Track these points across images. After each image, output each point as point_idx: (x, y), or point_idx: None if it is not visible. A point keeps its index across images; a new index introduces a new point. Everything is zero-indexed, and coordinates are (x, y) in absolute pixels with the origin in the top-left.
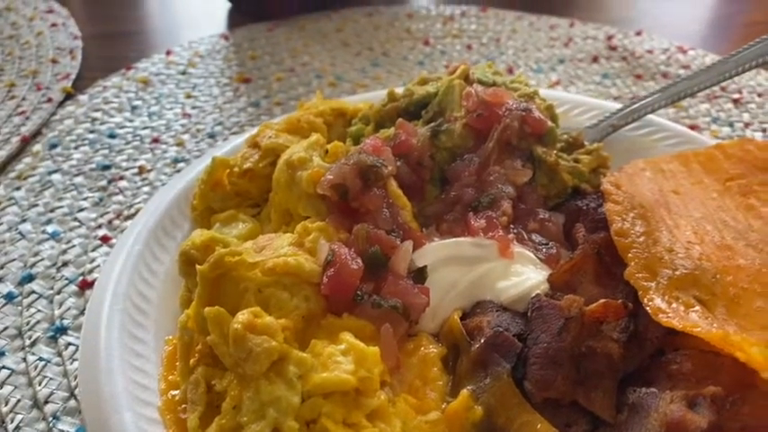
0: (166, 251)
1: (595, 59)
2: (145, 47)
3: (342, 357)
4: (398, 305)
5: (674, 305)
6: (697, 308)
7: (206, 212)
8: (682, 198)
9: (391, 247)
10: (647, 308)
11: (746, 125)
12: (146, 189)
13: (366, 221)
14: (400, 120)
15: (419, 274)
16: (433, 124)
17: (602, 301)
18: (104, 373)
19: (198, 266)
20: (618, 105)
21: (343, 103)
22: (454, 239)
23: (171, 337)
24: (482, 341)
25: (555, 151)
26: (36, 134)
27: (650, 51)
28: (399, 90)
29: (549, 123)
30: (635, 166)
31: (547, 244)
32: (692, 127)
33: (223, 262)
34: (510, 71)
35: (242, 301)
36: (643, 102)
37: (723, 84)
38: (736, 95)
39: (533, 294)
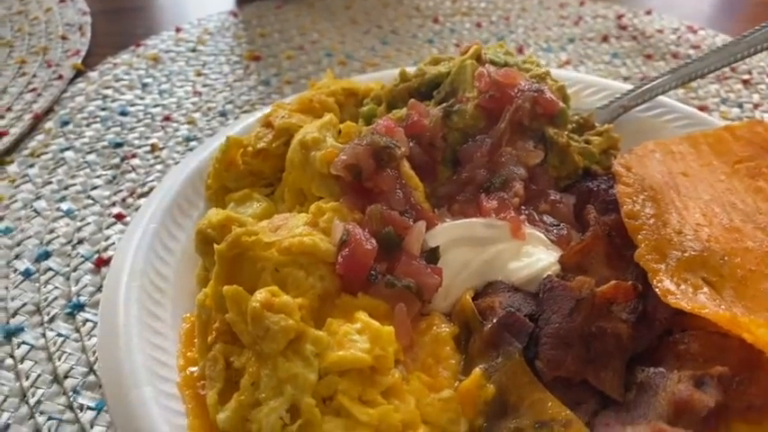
0: (182, 229)
1: (605, 39)
2: (152, 23)
3: (357, 336)
4: (412, 285)
5: (683, 287)
6: (705, 289)
7: (220, 191)
8: (691, 180)
9: (404, 227)
10: (656, 289)
11: (756, 106)
12: (158, 167)
13: (379, 202)
14: (413, 100)
15: (432, 255)
16: (445, 105)
17: (612, 282)
18: (124, 349)
19: (216, 246)
20: (628, 86)
21: (355, 82)
22: (466, 220)
23: (188, 315)
24: (494, 321)
25: (566, 132)
26: (48, 111)
27: (660, 31)
28: (411, 70)
29: (561, 104)
30: (645, 148)
31: (558, 225)
32: (702, 108)
33: (240, 241)
34: (520, 50)
35: (259, 279)
36: (653, 83)
37: (733, 65)
38: (745, 76)
39: (545, 275)
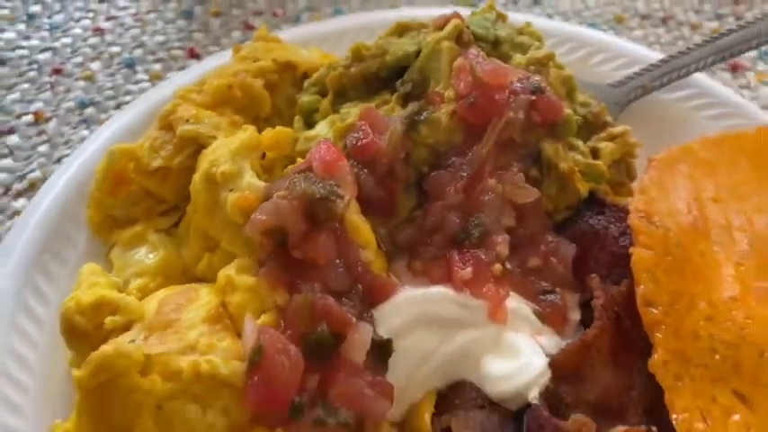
0: (55, 284)
1: None
2: None
3: None
4: (350, 419)
5: (709, 420)
6: (737, 416)
7: (107, 222)
8: (723, 210)
9: (344, 324)
10: (675, 423)
11: None
12: (43, 149)
13: (312, 278)
14: (366, 108)
15: (382, 350)
16: (409, 110)
17: (620, 429)
18: None
19: (74, 371)
20: (651, 53)
21: (294, 51)
22: (431, 291)
23: (59, 422)
24: None
25: (570, 143)
26: None
27: None
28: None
29: (566, 111)
30: (669, 159)
31: (552, 291)
32: (735, 67)
33: (108, 365)
34: None
35: (137, 419)
36: (684, 58)
37: None
38: None
39: (530, 394)
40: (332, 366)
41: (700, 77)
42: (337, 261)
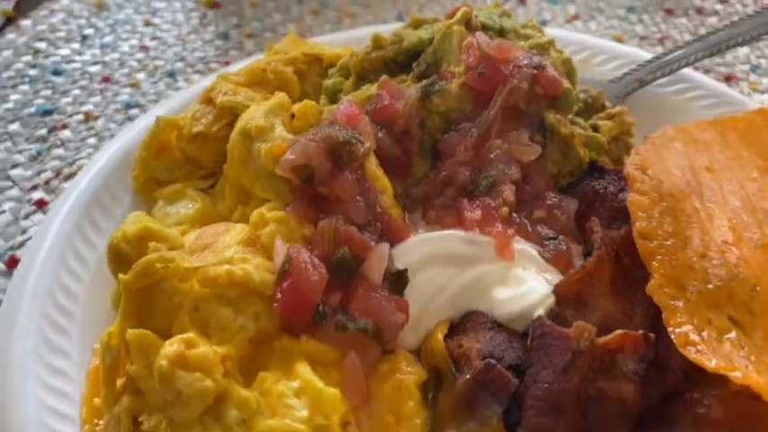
0: (101, 233)
1: None
2: None
3: (294, 400)
4: (369, 326)
5: (706, 332)
6: (732, 334)
7: (150, 183)
8: (716, 178)
9: (364, 248)
10: (672, 336)
11: None
12: (91, 141)
13: (336, 212)
14: (383, 77)
15: (398, 279)
16: (424, 82)
17: (618, 332)
18: (14, 395)
19: (120, 276)
20: (646, 54)
21: (320, 46)
22: (443, 233)
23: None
24: (469, 376)
25: (571, 115)
26: None
27: None
28: (387, 33)
29: (566, 84)
30: (663, 136)
31: (555, 238)
32: (728, 77)
33: (151, 270)
34: (522, 1)
35: (175, 320)
36: (676, 53)
37: None
38: None
39: (536, 313)
40: (353, 286)
41: (692, 73)
42: (358, 199)
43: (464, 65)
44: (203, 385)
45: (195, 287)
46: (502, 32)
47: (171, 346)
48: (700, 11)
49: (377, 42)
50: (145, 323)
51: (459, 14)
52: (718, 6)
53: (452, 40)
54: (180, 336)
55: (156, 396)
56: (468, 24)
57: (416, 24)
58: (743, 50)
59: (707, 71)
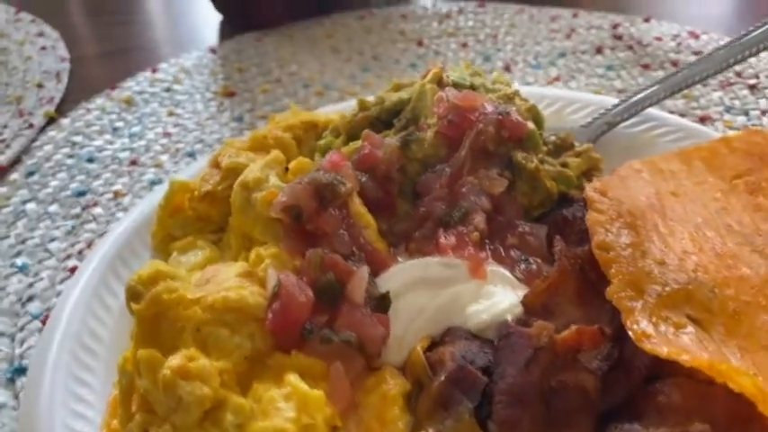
0: (123, 284)
1: (599, 51)
2: (134, 65)
3: (283, 403)
4: (352, 339)
5: (663, 327)
6: (690, 329)
7: (167, 240)
8: (681, 200)
9: (347, 273)
10: (630, 332)
11: (764, 113)
12: (119, 215)
13: (323, 245)
14: (366, 131)
15: (381, 302)
16: (403, 133)
17: (574, 327)
18: (44, 420)
19: (133, 305)
20: (614, 100)
21: (315, 114)
22: (421, 260)
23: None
24: (442, 377)
25: (540, 155)
26: (15, 162)
27: (659, 39)
28: (372, 98)
29: (530, 126)
30: (629, 168)
31: (526, 260)
32: (704, 118)
33: (160, 299)
34: (507, 69)
35: (179, 341)
36: (641, 95)
37: (738, 68)
38: (752, 81)
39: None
40: (339, 309)
41: (657, 112)
42: (342, 232)
43: (436, 116)
44: (202, 392)
45: (197, 313)
46: (473, 88)
47: (174, 360)
48: (675, 63)
49: (362, 105)
50: (154, 345)
51: (431, 74)
52: (692, 58)
53: (426, 96)
54: (182, 352)
55: (162, 406)
56: (440, 82)
57: (397, 88)
58: (716, 94)
59: (682, 114)
